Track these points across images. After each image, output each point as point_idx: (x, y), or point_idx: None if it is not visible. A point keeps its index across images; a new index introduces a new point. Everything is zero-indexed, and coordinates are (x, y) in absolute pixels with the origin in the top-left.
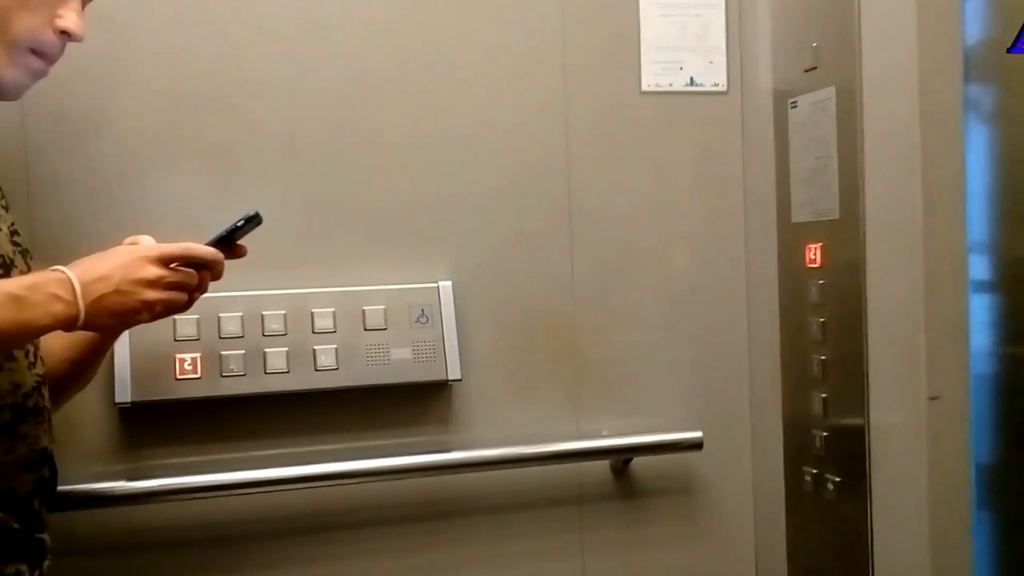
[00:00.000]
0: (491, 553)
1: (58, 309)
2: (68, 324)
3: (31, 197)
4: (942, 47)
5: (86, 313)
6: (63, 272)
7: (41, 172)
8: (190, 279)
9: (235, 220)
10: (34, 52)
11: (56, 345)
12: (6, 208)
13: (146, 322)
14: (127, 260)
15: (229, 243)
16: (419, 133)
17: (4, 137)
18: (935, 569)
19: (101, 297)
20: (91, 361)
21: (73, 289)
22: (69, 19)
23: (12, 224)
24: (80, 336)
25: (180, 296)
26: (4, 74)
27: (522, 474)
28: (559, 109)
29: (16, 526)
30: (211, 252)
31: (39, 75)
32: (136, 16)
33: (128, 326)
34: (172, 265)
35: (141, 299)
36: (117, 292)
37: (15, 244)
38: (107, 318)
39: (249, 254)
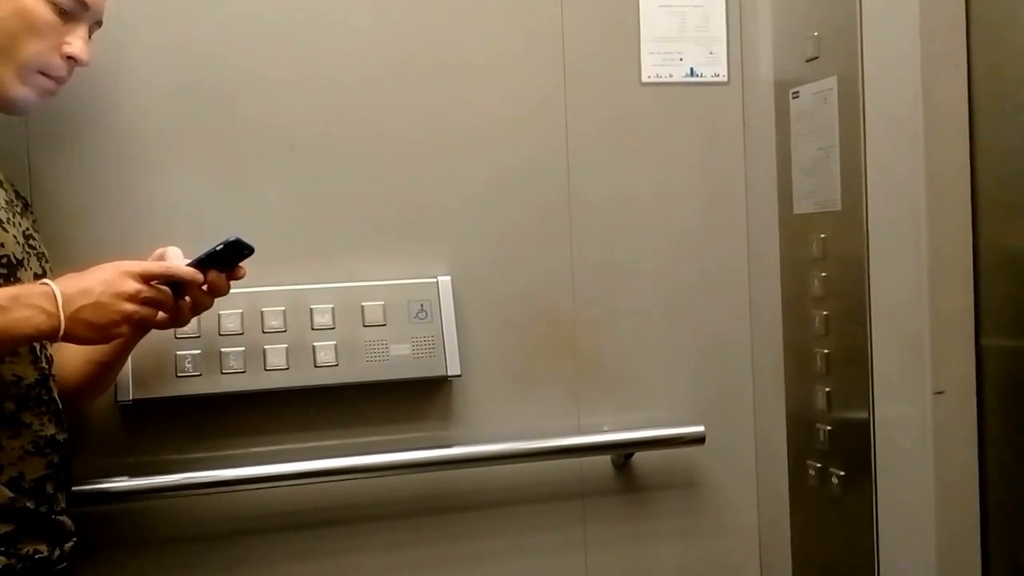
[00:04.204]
0: (492, 549)
1: (40, 320)
2: (49, 335)
3: (32, 194)
4: (945, 34)
5: (66, 325)
6: (48, 285)
7: (43, 169)
8: (165, 297)
9: (215, 244)
10: (42, 73)
11: (77, 349)
12: (22, 213)
13: (125, 335)
14: (110, 275)
15: (208, 265)
16: (418, 127)
17: (7, 135)
18: (942, 565)
19: (81, 309)
20: (113, 364)
21: (56, 301)
22: (75, 46)
23: (27, 229)
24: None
25: (152, 312)
26: (15, 92)
27: (523, 469)
28: (558, 102)
29: (30, 506)
30: (190, 272)
31: (48, 94)
32: (137, 13)
33: (108, 339)
34: (152, 282)
35: (120, 311)
36: (97, 305)
37: (30, 247)
38: (86, 330)
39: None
